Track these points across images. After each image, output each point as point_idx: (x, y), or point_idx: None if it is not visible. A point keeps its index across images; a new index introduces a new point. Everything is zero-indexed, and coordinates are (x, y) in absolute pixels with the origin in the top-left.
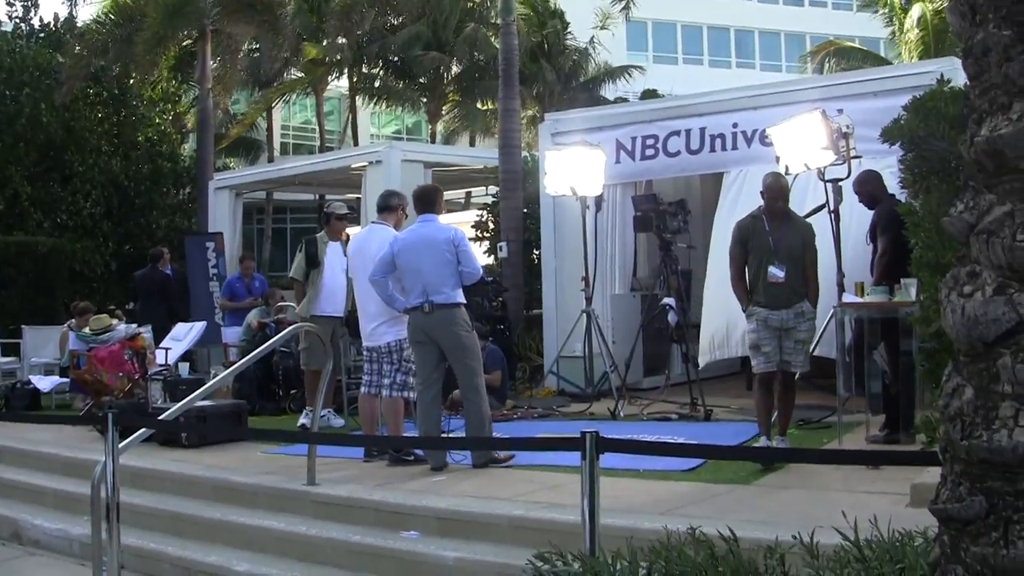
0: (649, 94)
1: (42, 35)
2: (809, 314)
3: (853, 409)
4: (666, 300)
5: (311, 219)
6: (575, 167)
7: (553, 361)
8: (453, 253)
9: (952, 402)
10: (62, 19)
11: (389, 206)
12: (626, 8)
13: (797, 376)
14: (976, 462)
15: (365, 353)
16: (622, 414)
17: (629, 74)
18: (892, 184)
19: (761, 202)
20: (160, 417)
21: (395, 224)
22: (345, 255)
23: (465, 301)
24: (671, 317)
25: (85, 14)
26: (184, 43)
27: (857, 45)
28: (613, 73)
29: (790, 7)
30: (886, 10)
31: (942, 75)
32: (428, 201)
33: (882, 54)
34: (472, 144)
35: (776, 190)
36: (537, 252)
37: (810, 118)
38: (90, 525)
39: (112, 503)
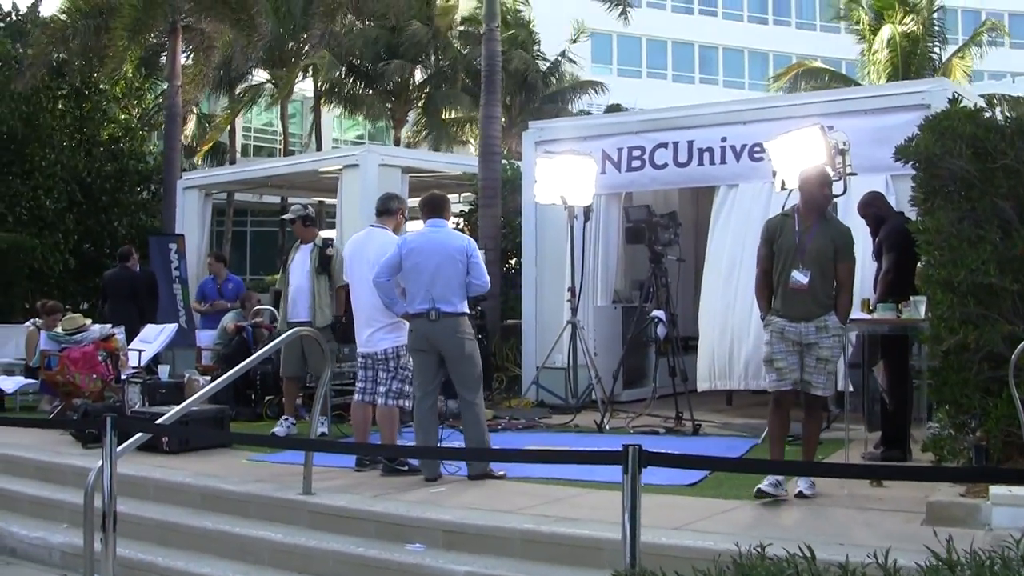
0: (613, 108)
1: (2, 25)
2: (834, 329)
3: (840, 427)
4: (655, 312)
5: (272, 222)
6: (565, 176)
7: (535, 372)
8: (464, 262)
9: None
10: (24, 9)
11: (389, 210)
12: (623, 15)
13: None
14: None
15: (360, 360)
16: (608, 427)
17: (596, 88)
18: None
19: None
20: (157, 421)
21: (394, 228)
22: (310, 257)
23: (469, 311)
24: (660, 330)
25: (51, 5)
26: (153, 38)
27: (821, 65)
28: (581, 86)
29: (754, 25)
30: (858, 27)
31: (955, 95)
32: (437, 207)
33: (844, 72)
34: (436, 151)
35: (819, 178)
36: (512, 261)
37: (809, 133)
38: (70, 533)
39: (109, 512)
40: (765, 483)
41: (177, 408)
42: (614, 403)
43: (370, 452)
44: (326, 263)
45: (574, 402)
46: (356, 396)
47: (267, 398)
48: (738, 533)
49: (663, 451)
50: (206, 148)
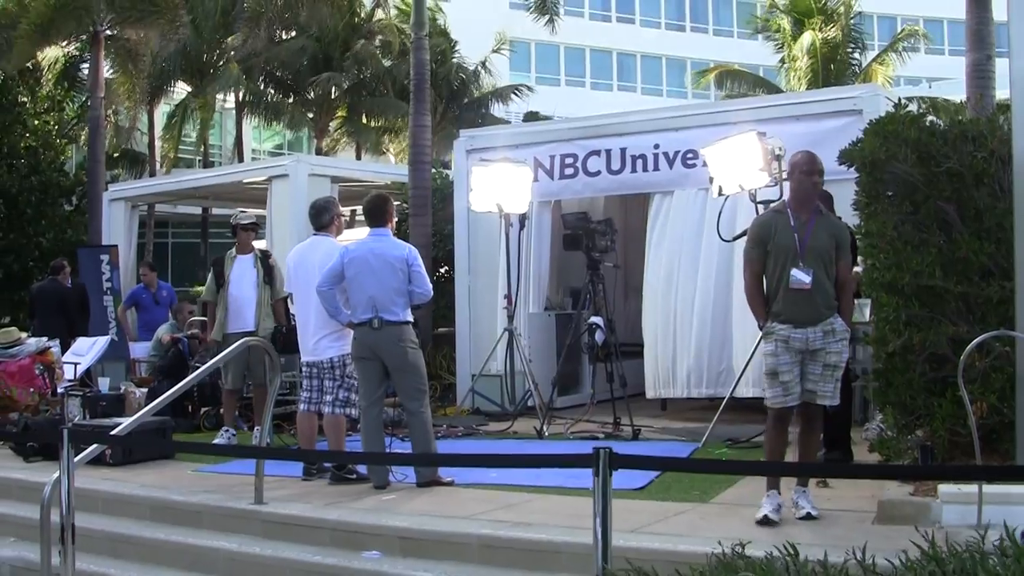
0: (531, 116)
1: None
2: (841, 333)
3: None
4: (593, 319)
5: (194, 233)
6: (501, 184)
7: (471, 379)
8: (406, 272)
9: None
10: None
11: (323, 224)
12: (550, 22)
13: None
14: None
15: (304, 368)
16: (547, 433)
17: (518, 92)
18: None
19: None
20: (113, 432)
21: (336, 234)
22: (255, 268)
23: (413, 319)
24: (598, 336)
25: None
26: (75, 50)
27: (739, 68)
28: (501, 93)
29: (672, 32)
30: (777, 34)
31: (900, 99)
32: (379, 214)
33: (761, 76)
34: (358, 160)
35: (808, 164)
36: (443, 270)
37: (746, 139)
38: (19, 547)
39: (68, 524)
40: (768, 510)
41: (131, 419)
42: (550, 410)
43: (327, 459)
44: (270, 273)
45: (512, 409)
46: (302, 406)
47: (203, 409)
48: (695, 535)
49: (632, 454)
50: (115, 155)
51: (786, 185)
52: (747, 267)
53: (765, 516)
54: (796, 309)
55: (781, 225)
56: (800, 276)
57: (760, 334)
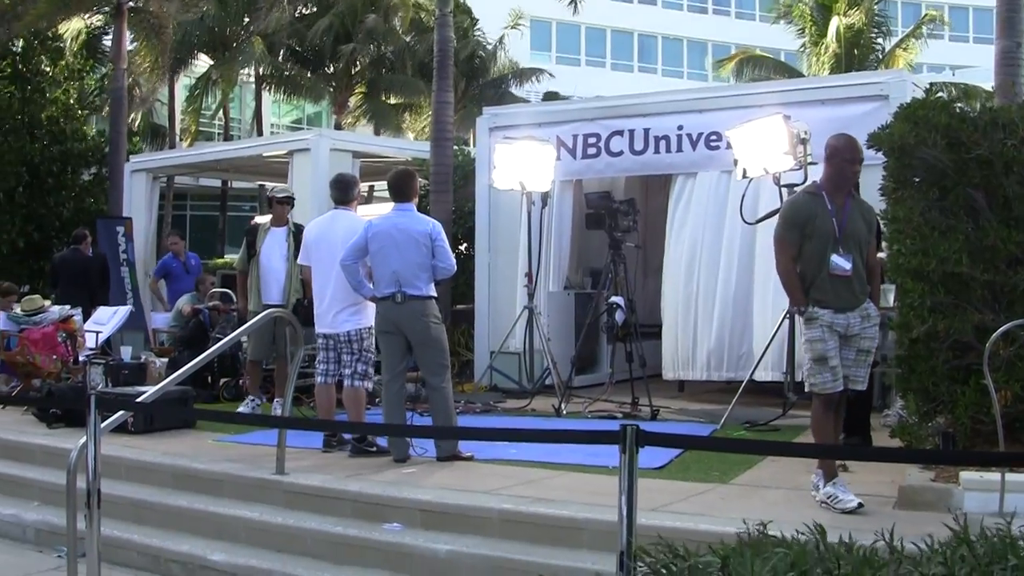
0: (551, 96)
1: None
2: (875, 318)
3: (797, 414)
4: (614, 298)
5: (212, 206)
6: (524, 162)
7: (489, 356)
8: (429, 246)
9: None
10: None
11: (347, 199)
12: (572, 3)
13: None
14: None
15: (321, 340)
16: (565, 411)
17: (539, 77)
18: None
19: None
20: (139, 399)
21: (355, 209)
22: (287, 241)
23: (436, 294)
24: (618, 316)
25: None
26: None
27: (761, 53)
28: (522, 73)
29: (693, 14)
30: (801, 19)
31: (931, 85)
32: (404, 189)
33: (784, 62)
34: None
35: (851, 151)
36: (463, 247)
37: (771, 122)
38: (44, 511)
39: (93, 490)
40: (851, 496)
41: (157, 387)
42: (568, 388)
43: (350, 430)
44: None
45: (530, 387)
46: (319, 378)
47: (223, 380)
48: (716, 515)
49: (658, 431)
50: (137, 124)
51: (811, 169)
52: (783, 250)
53: (859, 504)
54: (837, 295)
55: (819, 210)
56: (840, 263)
57: (781, 318)
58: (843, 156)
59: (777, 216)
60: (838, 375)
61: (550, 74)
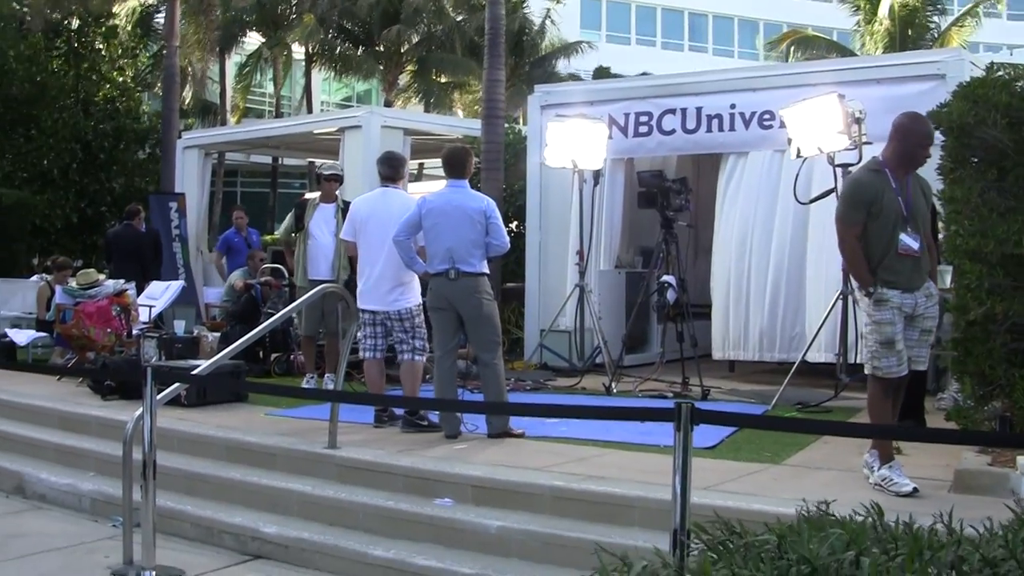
0: (602, 72)
1: None
2: (935, 296)
3: (850, 395)
4: (666, 277)
5: (263, 183)
6: (576, 140)
7: (539, 335)
8: (483, 223)
9: None
10: None
11: (401, 175)
12: None
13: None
14: None
15: (366, 316)
16: (615, 390)
17: (581, 49)
18: None
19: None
20: (194, 372)
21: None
22: (335, 217)
23: (488, 271)
24: (670, 295)
25: None
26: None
27: (814, 33)
28: (567, 49)
29: None
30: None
31: (992, 63)
32: (458, 165)
33: (836, 41)
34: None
35: (928, 136)
36: (513, 225)
37: (826, 101)
38: (99, 481)
39: (149, 461)
40: (907, 480)
41: (211, 360)
42: (619, 367)
43: (403, 404)
44: None
45: (580, 365)
46: (367, 354)
47: (274, 355)
48: (768, 495)
49: (713, 409)
50: (188, 102)
51: (866, 148)
52: (848, 229)
53: (914, 488)
54: (906, 275)
55: (886, 187)
56: (909, 242)
57: (834, 299)
58: (919, 140)
59: (836, 195)
60: (903, 359)
61: (590, 45)
